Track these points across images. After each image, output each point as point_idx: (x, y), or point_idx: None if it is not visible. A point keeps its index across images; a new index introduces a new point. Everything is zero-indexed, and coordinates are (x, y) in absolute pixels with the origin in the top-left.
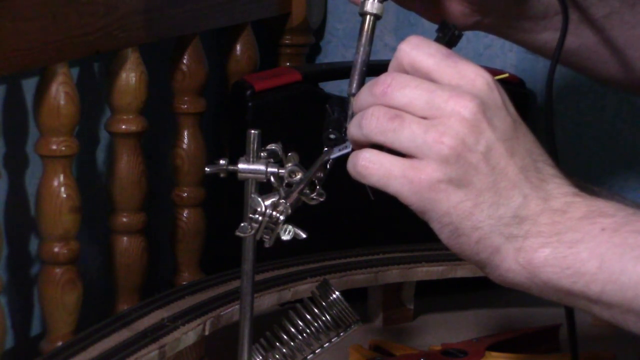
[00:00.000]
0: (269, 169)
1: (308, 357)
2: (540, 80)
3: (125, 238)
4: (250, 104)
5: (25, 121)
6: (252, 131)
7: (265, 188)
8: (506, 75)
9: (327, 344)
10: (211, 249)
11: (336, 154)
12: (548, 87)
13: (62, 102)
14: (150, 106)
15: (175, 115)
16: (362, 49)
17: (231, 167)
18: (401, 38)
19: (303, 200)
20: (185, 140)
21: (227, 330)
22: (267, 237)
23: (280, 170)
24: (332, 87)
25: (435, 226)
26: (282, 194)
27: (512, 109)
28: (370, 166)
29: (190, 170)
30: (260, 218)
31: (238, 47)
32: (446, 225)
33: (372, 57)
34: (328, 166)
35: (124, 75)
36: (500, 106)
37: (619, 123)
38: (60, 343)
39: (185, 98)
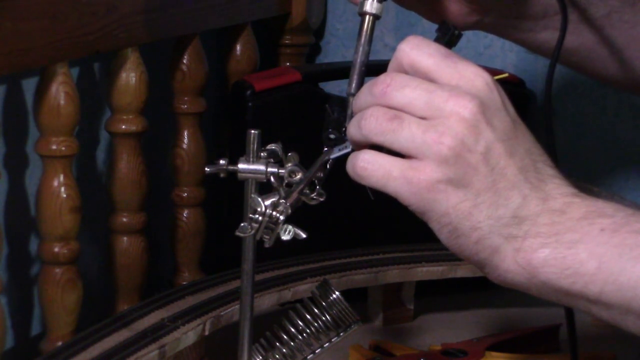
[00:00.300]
0: (269, 169)
1: (308, 357)
2: (540, 80)
3: (125, 238)
4: (250, 104)
5: (25, 121)
6: (252, 131)
7: (265, 188)
8: (506, 75)
9: (327, 344)
10: (211, 249)
11: (336, 154)
12: (547, 87)
13: (62, 102)
14: (150, 106)
15: (175, 115)
16: (361, 49)
17: (231, 167)
18: (401, 38)
19: (303, 200)
20: (185, 140)
21: (227, 330)
22: (267, 237)
23: (280, 170)
24: (332, 87)
25: (434, 226)
26: (282, 194)
27: (511, 109)
28: (369, 167)
29: (190, 170)
30: (260, 218)
31: (238, 47)
32: (445, 226)
33: (372, 57)
34: (328, 166)
35: (124, 75)
36: (499, 106)
37: (619, 123)
38: (60, 343)
39: (185, 98)
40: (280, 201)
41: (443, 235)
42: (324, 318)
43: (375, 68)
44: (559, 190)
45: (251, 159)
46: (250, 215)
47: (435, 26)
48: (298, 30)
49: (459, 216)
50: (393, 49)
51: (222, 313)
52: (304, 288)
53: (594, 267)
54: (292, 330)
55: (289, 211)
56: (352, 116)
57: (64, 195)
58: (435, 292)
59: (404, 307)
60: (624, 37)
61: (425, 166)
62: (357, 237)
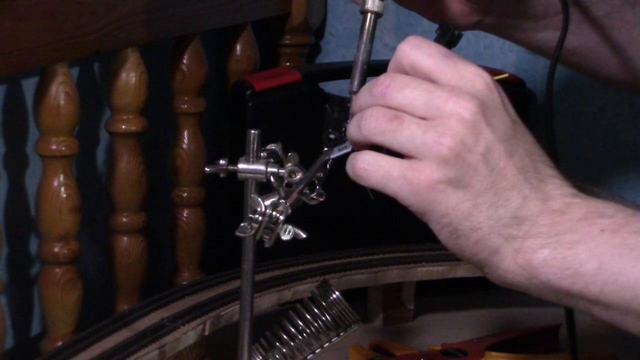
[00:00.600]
0: (269, 169)
1: (308, 357)
2: (540, 80)
3: (125, 238)
4: (250, 104)
5: (25, 121)
6: (252, 131)
7: (265, 188)
8: (506, 75)
9: (327, 344)
10: (211, 249)
11: (336, 154)
12: (548, 87)
13: (62, 102)
14: (150, 106)
15: (175, 115)
16: (363, 46)
17: (231, 167)
18: (401, 38)
19: (303, 200)
20: (185, 140)
21: (227, 330)
22: (267, 237)
23: (280, 170)
24: (332, 87)
25: (434, 227)
26: (282, 194)
27: (511, 110)
28: (368, 168)
29: (190, 170)
30: (260, 218)
31: (238, 47)
32: (445, 226)
33: (372, 57)
34: (328, 166)
35: (124, 75)
36: (499, 107)
37: (619, 123)
38: (60, 343)
39: (185, 98)
40: (280, 201)
41: (443, 235)
42: (324, 318)
43: (376, 68)
44: (558, 191)
45: (251, 159)
46: (250, 215)
47: (436, 26)
48: (298, 30)
49: (458, 217)
50: (393, 49)
51: (222, 313)
52: (304, 288)
53: (594, 268)
54: (292, 330)
55: (289, 211)
56: (353, 114)
57: (64, 195)
58: (435, 292)
59: (404, 307)
60: (624, 37)
61: (425, 166)
62: (357, 237)
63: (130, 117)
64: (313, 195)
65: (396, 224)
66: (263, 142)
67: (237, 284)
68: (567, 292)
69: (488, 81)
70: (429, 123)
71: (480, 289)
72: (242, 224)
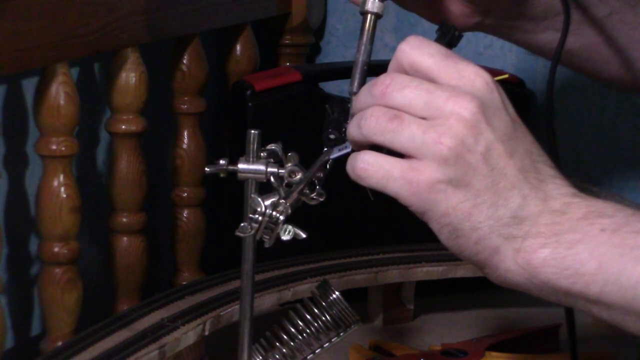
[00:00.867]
0: (269, 169)
1: (308, 357)
2: (540, 80)
3: (125, 238)
4: (250, 104)
5: (25, 121)
6: (252, 131)
7: (265, 188)
8: (506, 76)
9: (327, 344)
10: (211, 249)
11: (336, 154)
12: (549, 88)
13: (62, 102)
14: (150, 106)
15: (175, 115)
16: (363, 47)
17: (231, 167)
18: (401, 38)
19: (303, 200)
20: (185, 140)
21: (227, 330)
22: (267, 237)
23: (280, 170)
24: (332, 87)
25: (434, 227)
26: (282, 194)
27: (511, 110)
28: (369, 168)
29: (190, 170)
30: (260, 218)
31: (238, 47)
32: (445, 226)
33: (372, 57)
34: (328, 166)
35: (124, 75)
36: (499, 106)
37: (619, 123)
38: (60, 343)
39: (185, 98)
40: (280, 201)
41: (443, 235)
42: (324, 318)
43: (376, 68)
44: (559, 191)
45: (251, 159)
46: (250, 215)
47: (436, 26)
48: (298, 30)
49: (459, 216)
50: (393, 49)
51: (222, 313)
52: (304, 288)
53: (594, 267)
54: (292, 330)
55: (289, 211)
56: (353, 115)
57: (64, 195)
58: (435, 292)
59: (404, 307)
60: (625, 38)
61: (425, 166)
62: (357, 237)
63: (130, 117)
64: (313, 195)
65: (396, 224)
66: (263, 142)
67: (237, 284)
68: (568, 291)
69: (488, 81)
70: (429, 123)
71: (480, 289)
72: (242, 224)
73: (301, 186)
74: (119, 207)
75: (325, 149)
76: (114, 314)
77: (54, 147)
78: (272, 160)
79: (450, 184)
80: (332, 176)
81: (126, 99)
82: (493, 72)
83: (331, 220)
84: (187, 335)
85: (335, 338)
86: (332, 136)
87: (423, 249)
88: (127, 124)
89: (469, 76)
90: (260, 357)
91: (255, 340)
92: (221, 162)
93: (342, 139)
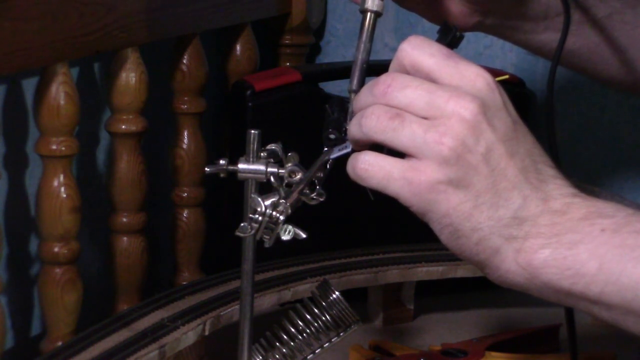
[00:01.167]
0: (269, 169)
1: (308, 357)
2: (540, 80)
3: (125, 238)
4: (250, 104)
5: (25, 121)
6: (252, 131)
7: (265, 188)
8: (506, 76)
9: (327, 344)
10: (211, 249)
11: (336, 154)
12: (549, 88)
13: (62, 102)
14: (150, 106)
15: (175, 115)
16: (362, 45)
17: (231, 167)
18: (401, 38)
19: (303, 200)
20: (185, 140)
21: (227, 330)
22: (267, 237)
23: (280, 170)
24: (332, 87)
25: (435, 227)
26: (282, 194)
27: (512, 110)
28: (369, 169)
29: (190, 170)
30: (260, 218)
31: (238, 47)
32: (446, 227)
33: (372, 57)
34: (328, 166)
35: (124, 75)
36: (500, 107)
37: (619, 123)
38: (60, 343)
39: (185, 98)
40: (280, 201)
41: (444, 236)
42: (324, 318)
43: (376, 68)
44: (559, 191)
45: (251, 159)
46: (250, 215)
47: (436, 27)
48: (298, 30)
49: (459, 217)
50: (393, 49)
51: (222, 313)
52: (304, 288)
53: (595, 268)
54: (292, 330)
55: (289, 211)
56: (352, 114)
57: (64, 195)
58: (435, 292)
59: (404, 307)
60: (625, 39)
61: (426, 167)
62: (357, 237)
63: (130, 117)
64: (313, 195)
65: (396, 224)
66: (263, 142)
67: (237, 284)
68: (568, 292)
69: (489, 81)
70: (430, 123)
71: (480, 289)
72: (242, 224)
73: (301, 186)
74: (119, 207)
75: (325, 149)
76: (114, 314)
77: (54, 147)
78: (272, 160)
79: (451, 185)
80: (332, 176)
81: (126, 99)
82: (493, 72)
83: (331, 220)
84: (187, 335)
85: (335, 338)
86: (332, 136)
87: (423, 249)
88: (127, 124)
89: (470, 76)
90: (260, 357)
91: (255, 340)
92: (221, 162)
93: (342, 139)
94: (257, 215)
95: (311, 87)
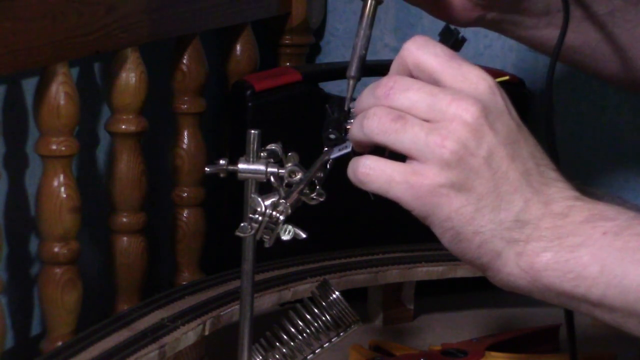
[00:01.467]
0: (269, 169)
1: (308, 357)
2: (540, 80)
3: (125, 238)
4: (250, 104)
5: (25, 121)
6: (252, 131)
7: (265, 188)
8: (507, 77)
9: (327, 344)
10: (211, 249)
11: (336, 154)
12: (548, 84)
13: (62, 102)
14: (150, 106)
15: (175, 115)
16: (362, 32)
17: (231, 167)
18: (401, 38)
19: (303, 200)
20: (185, 140)
21: (227, 330)
22: (267, 237)
23: (280, 170)
24: (332, 87)
25: (437, 231)
26: (282, 194)
27: (514, 113)
28: (370, 173)
29: (190, 170)
30: (260, 218)
31: (238, 47)
32: (448, 230)
33: (372, 58)
34: (328, 166)
35: (124, 75)
36: (502, 110)
37: (619, 123)
38: (60, 343)
39: (185, 98)
40: (280, 201)
41: (445, 239)
42: (324, 318)
43: (376, 68)
44: (561, 194)
45: (251, 159)
46: (250, 215)
47: (437, 25)
48: (298, 30)
49: (461, 220)
50: (393, 49)
51: (222, 313)
52: (304, 288)
53: (597, 271)
54: (292, 330)
55: (289, 211)
56: (351, 100)
57: (64, 195)
58: (435, 292)
59: (404, 307)
60: (626, 36)
61: (427, 170)
62: (357, 237)
63: (130, 117)
64: (313, 195)
65: (396, 224)
66: (263, 142)
67: (237, 284)
68: (570, 295)
69: (491, 85)
70: (432, 125)
71: (480, 289)
72: (242, 224)
73: (301, 186)
74: (119, 207)
75: (325, 149)
76: (114, 314)
77: (54, 147)
78: (272, 160)
79: (453, 188)
80: (332, 176)
81: (126, 99)
82: (494, 73)
83: (331, 220)
84: (187, 335)
85: (335, 338)
86: (332, 136)
87: (423, 249)
88: (127, 124)
89: (473, 79)
90: (260, 357)
91: (255, 340)
92: (221, 162)
93: (342, 139)
94: (257, 215)
95: (311, 87)
